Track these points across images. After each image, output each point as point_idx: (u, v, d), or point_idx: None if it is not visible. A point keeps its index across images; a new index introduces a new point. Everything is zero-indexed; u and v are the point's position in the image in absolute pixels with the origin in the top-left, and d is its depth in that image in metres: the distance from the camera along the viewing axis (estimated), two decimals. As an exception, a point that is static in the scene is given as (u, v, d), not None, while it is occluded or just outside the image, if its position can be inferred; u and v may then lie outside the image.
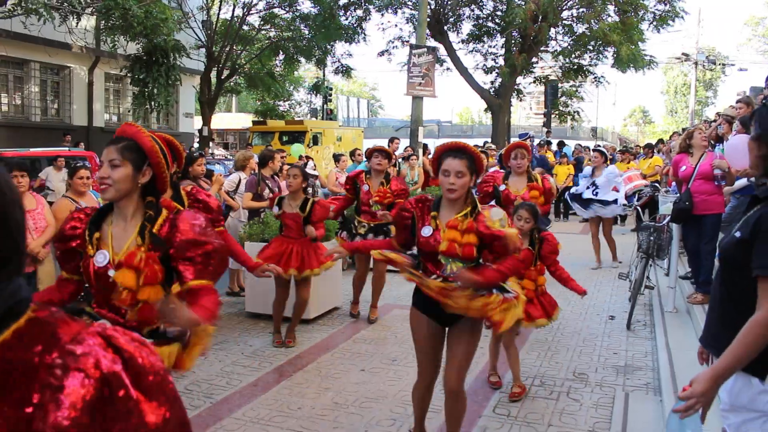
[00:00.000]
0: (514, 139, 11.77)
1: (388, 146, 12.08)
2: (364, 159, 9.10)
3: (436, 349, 3.38)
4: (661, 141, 16.53)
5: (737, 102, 7.64)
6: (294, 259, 5.39)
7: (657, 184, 10.38)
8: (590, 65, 24.96)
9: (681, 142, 6.66)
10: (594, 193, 9.13)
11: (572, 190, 9.88)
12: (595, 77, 25.63)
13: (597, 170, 9.36)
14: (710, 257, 5.83)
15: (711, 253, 5.80)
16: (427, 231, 3.18)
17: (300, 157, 12.87)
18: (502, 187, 5.55)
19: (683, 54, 37.35)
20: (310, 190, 9.66)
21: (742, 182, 5.91)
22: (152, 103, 17.42)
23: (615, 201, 9.02)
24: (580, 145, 19.18)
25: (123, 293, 2.30)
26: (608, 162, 9.87)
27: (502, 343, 4.58)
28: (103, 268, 2.34)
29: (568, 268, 4.77)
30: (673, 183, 8.44)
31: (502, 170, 6.13)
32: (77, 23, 13.96)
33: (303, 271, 5.41)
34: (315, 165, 10.77)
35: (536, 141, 15.98)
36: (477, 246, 3.13)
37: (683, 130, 11.30)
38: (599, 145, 14.86)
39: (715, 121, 8.45)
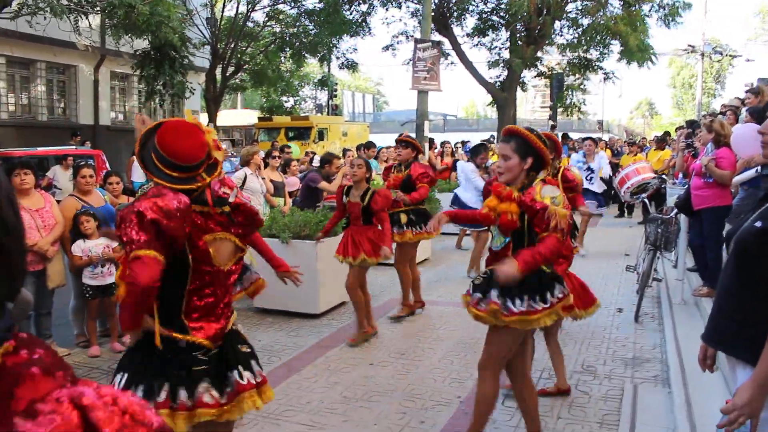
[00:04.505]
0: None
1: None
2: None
3: None
4: (667, 133, 16.34)
5: (746, 92, 7.57)
6: (351, 247, 5.49)
7: (664, 176, 10.37)
8: (598, 60, 24.76)
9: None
10: (588, 178, 9.66)
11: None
12: (605, 73, 25.44)
13: (589, 156, 10.13)
14: (713, 249, 5.80)
15: (713, 246, 5.77)
16: None
17: (306, 153, 12.88)
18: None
19: (689, 45, 37.02)
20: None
21: (749, 173, 5.89)
22: (162, 98, 17.46)
23: (594, 195, 9.57)
24: (589, 137, 19.04)
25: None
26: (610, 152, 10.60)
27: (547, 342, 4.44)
28: None
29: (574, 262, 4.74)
30: (680, 175, 8.42)
31: None
32: (77, 22, 13.96)
33: (357, 257, 5.45)
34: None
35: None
36: (519, 217, 3.07)
37: (688, 123, 11.21)
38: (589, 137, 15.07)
39: (723, 113, 8.36)
